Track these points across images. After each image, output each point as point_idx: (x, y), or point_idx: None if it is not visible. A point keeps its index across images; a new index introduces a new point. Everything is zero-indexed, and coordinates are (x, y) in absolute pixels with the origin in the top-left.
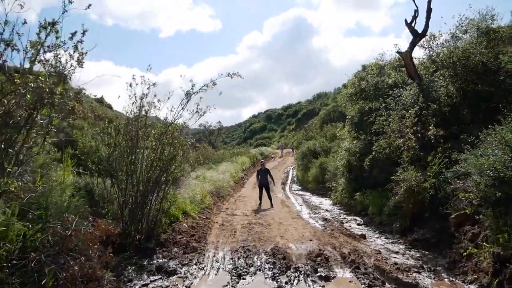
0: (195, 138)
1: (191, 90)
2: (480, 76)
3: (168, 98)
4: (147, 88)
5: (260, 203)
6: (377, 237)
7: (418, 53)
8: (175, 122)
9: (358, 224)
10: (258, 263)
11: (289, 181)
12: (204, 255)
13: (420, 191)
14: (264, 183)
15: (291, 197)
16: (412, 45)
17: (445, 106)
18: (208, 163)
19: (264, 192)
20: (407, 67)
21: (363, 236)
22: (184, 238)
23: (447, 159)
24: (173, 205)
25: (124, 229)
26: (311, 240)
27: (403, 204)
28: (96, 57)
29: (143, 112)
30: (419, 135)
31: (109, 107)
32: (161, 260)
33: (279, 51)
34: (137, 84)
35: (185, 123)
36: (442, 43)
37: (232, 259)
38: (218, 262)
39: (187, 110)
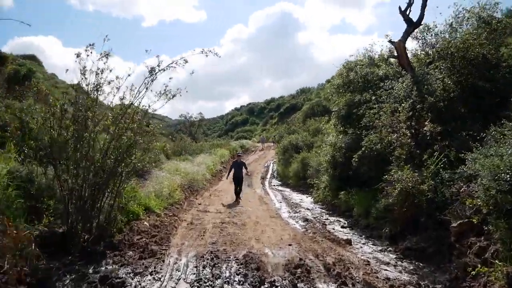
0: (176, 129)
1: (157, 67)
2: (479, 69)
3: (129, 75)
4: (104, 63)
5: (236, 199)
6: (363, 243)
7: (411, 45)
8: (136, 104)
9: (343, 227)
10: (227, 274)
11: (269, 176)
12: (163, 261)
13: (416, 194)
14: (239, 177)
15: (270, 193)
16: (406, 34)
17: (441, 101)
18: (185, 154)
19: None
20: (400, 58)
21: (349, 242)
22: (143, 240)
23: (445, 159)
24: (133, 200)
25: (69, 228)
26: (290, 245)
27: (394, 207)
28: (76, 44)
29: (95, 91)
30: (413, 131)
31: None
32: (110, 267)
33: (263, 45)
34: (88, 55)
35: (149, 106)
36: (437, 34)
37: (196, 267)
38: (179, 271)
39: (152, 91)
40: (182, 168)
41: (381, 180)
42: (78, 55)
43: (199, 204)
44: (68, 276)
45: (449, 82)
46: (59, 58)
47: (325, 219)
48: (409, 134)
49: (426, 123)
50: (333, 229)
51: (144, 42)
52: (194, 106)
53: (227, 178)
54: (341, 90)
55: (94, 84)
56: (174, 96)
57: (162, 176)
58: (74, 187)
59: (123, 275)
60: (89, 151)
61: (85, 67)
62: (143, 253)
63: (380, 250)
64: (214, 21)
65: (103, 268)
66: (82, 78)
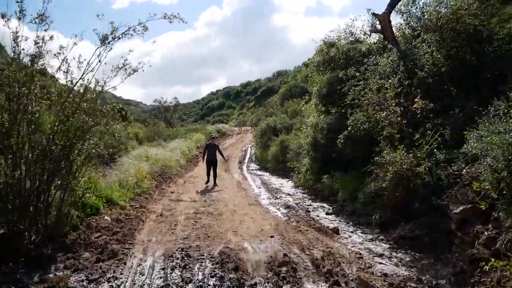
0: (150, 114)
1: (110, 35)
2: (470, 42)
3: (75, 44)
4: (45, 30)
5: (207, 181)
6: (352, 231)
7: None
8: (87, 80)
9: (327, 213)
10: (200, 277)
11: (246, 160)
12: (125, 263)
13: (411, 177)
14: (212, 160)
15: (248, 178)
16: (390, 7)
17: (430, 76)
18: (158, 140)
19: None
20: (385, 31)
21: (336, 231)
22: (103, 238)
23: (440, 138)
24: (91, 192)
25: (10, 229)
26: (272, 237)
27: (385, 192)
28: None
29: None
30: (403, 109)
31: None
32: (60, 273)
33: (239, 28)
34: (20, 18)
35: (105, 82)
36: (423, 6)
37: (164, 269)
38: (143, 276)
39: (107, 64)
40: (153, 154)
41: (368, 162)
42: (3, 16)
43: (172, 192)
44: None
45: (438, 56)
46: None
47: (308, 206)
48: (399, 112)
49: (416, 99)
50: (318, 216)
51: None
52: (171, 91)
53: (203, 161)
54: (321, 68)
55: (31, 54)
56: (135, 71)
57: (128, 164)
58: (10, 180)
59: (74, 284)
60: (29, 136)
61: (17, 32)
62: (101, 254)
63: (371, 239)
64: (187, 3)
65: (51, 275)
66: (15, 47)
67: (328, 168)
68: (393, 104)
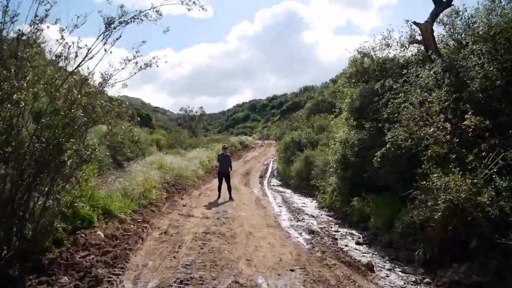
0: (176, 122)
1: (118, 19)
2: None
3: (76, 26)
4: None
5: (218, 196)
6: (389, 269)
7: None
8: (89, 70)
9: (358, 243)
10: None
11: (268, 175)
12: None
13: (468, 208)
14: (224, 172)
15: (268, 194)
16: (434, 15)
17: (481, 91)
18: (177, 147)
19: (224, 183)
20: (427, 42)
21: (370, 268)
22: (89, 258)
23: (501, 162)
24: (84, 201)
25: None
26: (292, 271)
27: (432, 223)
28: (83, 34)
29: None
30: (451, 125)
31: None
32: None
33: (269, 42)
34: None
35: (111, 74)
36: (469, 17)
37: None
38: None
39: (111, 52)
40: (168, 162)
41: (406, 186)
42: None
43: (184, 205)
44: None
45: (491, 69)
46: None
47: (334, 231)
48: (448, 129)
49: (467, 116)
50: (347, 245)
51: (149, 34)
52: (197, 100)
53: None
54: (353, 80)
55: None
56: (147, 65)
57: (137, 171)
58: None
59: None
60: (8, 132)
61: None
62: (81, 281)
63: (414, 282)
64: (220, 17)
65: None
66: None
67: (358, 190)
68: (441, 120)
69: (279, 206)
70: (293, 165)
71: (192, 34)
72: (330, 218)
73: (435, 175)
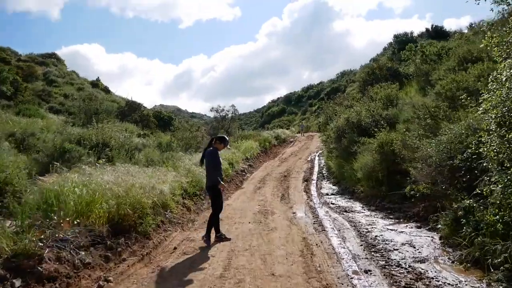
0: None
1: None
2: None
3: None
4: None
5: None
6: None
7: None
8: None
9: None
10: None
11: (315, 176)
12: None
13: None
14: (206, 184)
15: (325, 223)
16: None
17: None
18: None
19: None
20: None
21: None
22: None
23: None
24: None
25: None
26: None
27: None
28: (119, 49)
29: None
30: None
31: (105, 90)
32: None
33: (298, 36)
34: None
35: None
36: None
37: None
38: None
39: None
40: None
41: None
42: None
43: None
44: None
45: None
46: (103, 64)
47: None
48: None
49: None
50: None
51: (181, 43)
52: (232, 103)
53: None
54: None
55: None
56: None
57: None
58: None
59: None
60: None
61: None
62: None
63: None
64: (249, 16)
65: None
66: None
67: None
68: None
69: (358, 259)
70: (357, 160)
71: (223, 37)
72: None
73: None
